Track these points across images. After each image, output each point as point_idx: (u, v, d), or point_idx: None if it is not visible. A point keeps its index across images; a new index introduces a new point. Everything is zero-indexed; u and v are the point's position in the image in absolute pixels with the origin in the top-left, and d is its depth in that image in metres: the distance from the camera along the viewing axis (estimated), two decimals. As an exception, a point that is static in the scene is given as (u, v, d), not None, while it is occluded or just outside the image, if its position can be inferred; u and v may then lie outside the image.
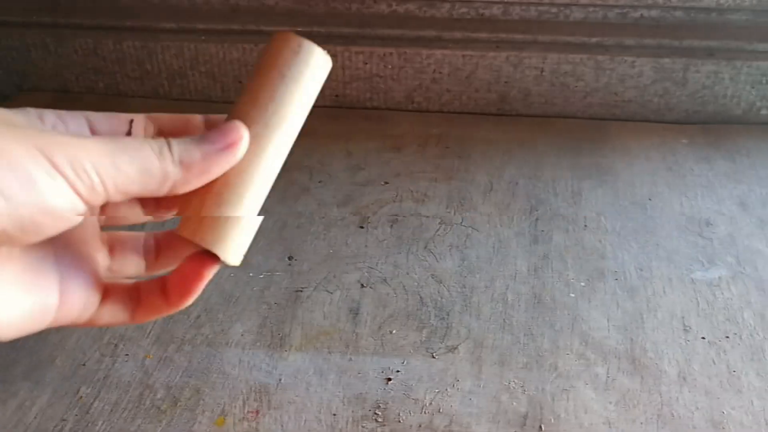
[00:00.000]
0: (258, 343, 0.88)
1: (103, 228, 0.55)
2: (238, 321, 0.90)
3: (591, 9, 1.27)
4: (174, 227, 0.52)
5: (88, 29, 1.32)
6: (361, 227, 1.04)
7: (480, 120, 1.29)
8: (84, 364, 0.85)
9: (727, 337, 0.88)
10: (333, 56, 1.24)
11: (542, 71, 1.26)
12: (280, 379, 0.83)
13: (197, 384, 0.83)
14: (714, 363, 0.85)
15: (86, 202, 0.44)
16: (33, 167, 0.41)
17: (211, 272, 0.52)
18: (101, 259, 0.54)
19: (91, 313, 0.52)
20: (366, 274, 0.97)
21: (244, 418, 0.79)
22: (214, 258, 0.51)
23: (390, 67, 1.28)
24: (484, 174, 1.15)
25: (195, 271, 0.51)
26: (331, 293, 0.94)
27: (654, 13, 1.27)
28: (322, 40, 1.21)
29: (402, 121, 1.29)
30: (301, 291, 0.94)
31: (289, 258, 0.99)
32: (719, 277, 0.96)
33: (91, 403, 0.81)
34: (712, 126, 1.27)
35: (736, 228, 1.04)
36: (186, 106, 1.32)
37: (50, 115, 0.48)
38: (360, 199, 1.09)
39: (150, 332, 0.89)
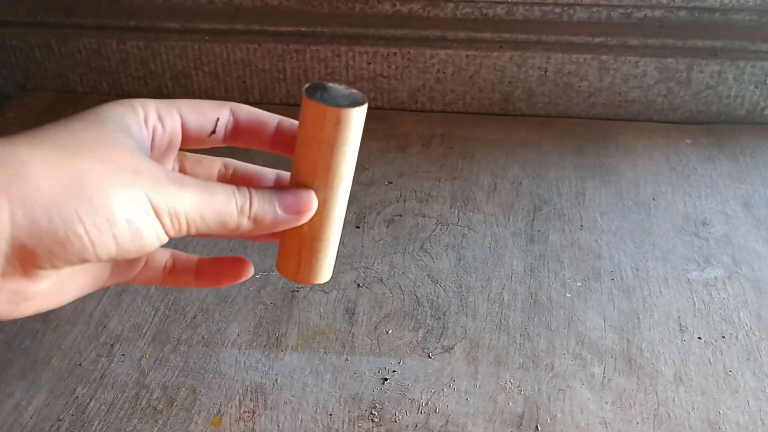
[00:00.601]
0: (254, 343, 0.88)
1: None
2: (234, 321, 0.90)
3: (595, 9, 1.27)
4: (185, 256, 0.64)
5: (91, 29, 1.32)
6: (358, 227, 1.04)
7: (484, 120, 1.29)
8: (80, 364, 0.85)
9: (724, 337, 0.88)
10: (337, 56, 1.25)
11: (546, 71, 1.26)
12: (276, 379, 0.83)
13: (193, 384, 0.83)
14: (710, 363, 0.85)
15: (170, 237, 0.51)
16: (144, 220, 0.48)
17: (244, 278, 0.62)
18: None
19: (133, 276, 0.62)
20: (362, 274, 0.96)
21: (240, 418, 0.79)
22: (249, 267, 0.62)
23: (394, 67, 1.28)
24: (487, 174, 1.15)
25: (233, 273, 0.62)
26: (327, 293, 0.94)
27: (658, 13, 1.27)
28: (326, 40, 1.23)
29: (406, 121, 1.29)
30: (297, 291, 0.94)
31: (287, 258, 0.99)
32: (715, 277, 0.96)
33: (87, 403, 0.81)
34: (716, 126, 1.26)
35: (733, 228, 1.03)
36: (190, 106, 1.32)
37: (152, 116, 0.54)
38: (364, 199, 1.09)
39: (146, 332, 0.89)
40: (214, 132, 0.58)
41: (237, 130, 0.60)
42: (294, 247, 0.58)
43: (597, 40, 1.25)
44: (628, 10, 1.27)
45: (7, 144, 0.46)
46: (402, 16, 1.30)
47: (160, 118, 0.55)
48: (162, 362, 0.86)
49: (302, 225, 0.57)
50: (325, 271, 0.59)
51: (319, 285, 0.95)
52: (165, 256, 0.63)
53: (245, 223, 0.53)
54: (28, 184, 0.45)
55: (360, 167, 1.15)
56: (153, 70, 1.32)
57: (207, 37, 1.29)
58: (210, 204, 0.51)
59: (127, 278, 0.62)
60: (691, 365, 0.85)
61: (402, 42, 1.27)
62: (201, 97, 1.27)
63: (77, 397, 0.82)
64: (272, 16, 1.31)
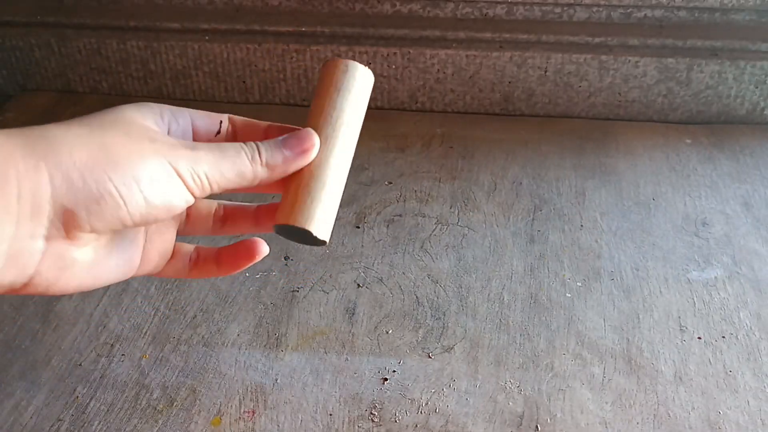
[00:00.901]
0: (254, 343, 0.88)
1: None
2: (234, 321, 0.90)
3: (595, 9, 1.27)
4: (238, 205, 0.68)
5: (91, 29, 1.32)
6: (358, 227, 1.04)
7: (484, 120, 1.29)
8: (80, 364, 0.85)
9: (723, 337, 0.88)
10: (337, 56, 1.25)
11: (546, 71, 1.26)
12: (276, 379, 0.83)
13: (193, 384, 0.83)
14: (710, 363, 0.85)
15: (196, 197, 0.56)
16: (167, 178, 0.53)
17: (258, 257, 0.65)
18: (175, 227, 0.67)
19: (161, 268, 0.66)
20: (362, 274, 0.97)
21: (240, 418, 0.79)
22: (261, 245, 0.66)
23: (394, 67, 1.28)
24: (487, 174, 1.15)
25: (247, 254, 0.66)
26: (327, 293, 0.94)
27: (658, 13, 1.27)
28: (326, 40, 1.23)
29: (406, 121, 1.28)
30: (297, 291, 0.94)
31: (285, 258, 0.99)
32: (715, 277, 0.96)
33: (87, 403, 0.81)
34: (715, 126, 1.26)
35: (733, 228, 1.03)
36: (189, 105, 1.30)
37: (167, 113, 0.60)
38: (364, 199, 1.09)
39: (146, 332, 0.89)
40: (219, 132, 0.64)
41: (235, 132, 0.65)
42: (292, 188, 0.60)
43: (597, 40, 1.25)
44: (628, 10, 1.27)
45: (42, 126, 0.53)
46: (402, 16, 1.30)
47: (174, 116, 0.61)
48: (162, 362, 0.86)
49: (303, 168, 0.60)
50: (317, 218, 0.59)
51: (320, 285, 0.95)
52: (190, 249, 0.68)
53: (260, 171, 0.58)
54: (63, 153, 0.50)
55: (360, 167, 1.15)
56: (153, 70, 1.32)
57: (207, 37, 1.29)
58: (224, 159, 0.56)
59: (157, 268, 0.66)
60: (691, 365, 0.85)
61: (402, 42, 1.27)
62: (201, 97, 1.29)
63: (77, 397, 0.82)
64: (272, 16, 1.31)
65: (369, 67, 1.20)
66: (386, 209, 1.07)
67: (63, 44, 1.31)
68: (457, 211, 1.07)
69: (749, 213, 1.06)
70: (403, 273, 0.97)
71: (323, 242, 0.60)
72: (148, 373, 0.84)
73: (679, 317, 0.90)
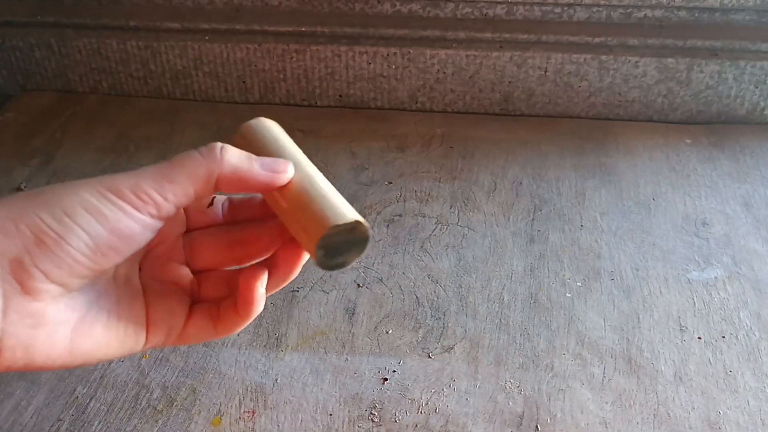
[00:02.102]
0: (254, 343, 0.88)
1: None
2: (235, 321, 0.90)
3: (595, 9, 1.27)
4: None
5: (91, 29, 1.32)
6: (358, 227, 1.04)
7: (484, 120, 1.29)
8: (80, 364, 0.85)
9: (723, 337, 0.88)
10: (337, 56, 1.26)
11: (546, 71, 1.26)
12: (276, 379, 0.83)
13: (193, 384, 0.83)
14: (710, 363, 0.85)
15: (154, 218, 0.54)
16: (101, 203, 0.52)
17: (260, 283, 0.62)
18: (183, 275, 0.65)
19: (179, 331, 0.63)
20: (362, 274, 0.97)
21: (240, 418, 0.79)
22: (262, 270, 0.62)
23: (394, 67, 1.28)
24: (487, 174, 1.15)
25: (248, 285, 0.61)
26: (327, 293, 0.94)
27: (658, 13, 1.27)
28: (326, 40, 1.23)
29: (406, 121, 1.29)
30: (297, 291, 0.94)
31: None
32: (715, 277, 0.96)
33: (87, 403, 0.81)
34: (716, 126, 1.26)
35: (733, 228, 1.03)
36: (189, 105, 1.32)
37: None
38: (364, 199, 1.09)
39: (146, 332, 0.89)
40: (211, 204, 0.64)
41: (233, 209, 0.66)
42: (300, 213, 0.59)
43: (597, 40, 1.25)
44: (628, 10, 1.27)
45: None
46: (402, 16, 1.30)
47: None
48: (162, 362, 0.86)
49: (286, 208, 0.60)
50: (331, 214, 0.58)
51: (320, 285, 0.95)
52: (208, 306, 0.64)
53: (216, 166, 0.56)
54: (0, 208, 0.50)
55: (360, 167, 1.15)
56: (153, 70, 1.32)
57: (207, 37, 1.29)
58: (171, 167, 0.55)
59: (173, 335, 0.63)
60: (691, 365, 0.85)
61: (402, 42, 1.27)
62: (201, 97, 1.29)
63: (77, 396, 0.82)
64: (272, 16, 1.31)
65: (369, 68, 1.20)
66: (386, 209, 1.07)
67: (63, 44, 1.31)
68: (457, 211, 1.07)
69: (749, 213, 1.06)
70: (403, 273, 0.97)
71: (366, 235, 0.61)
72: (148, 373, 0.84)
73: (679, 317, 0.90)
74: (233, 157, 0.57)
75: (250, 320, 0.63)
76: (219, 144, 0.57)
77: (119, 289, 0.60)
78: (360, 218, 0.59)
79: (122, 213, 0.52)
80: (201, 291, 0.66)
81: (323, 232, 0.57)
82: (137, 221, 0.53)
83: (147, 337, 0.61)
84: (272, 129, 0.64)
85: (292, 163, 0.60)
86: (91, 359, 0.56)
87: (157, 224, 0.56)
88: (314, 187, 0.59)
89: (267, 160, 0.58)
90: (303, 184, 0.59)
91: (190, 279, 0.66)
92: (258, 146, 0.62)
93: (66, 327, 0.54)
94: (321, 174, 0.62)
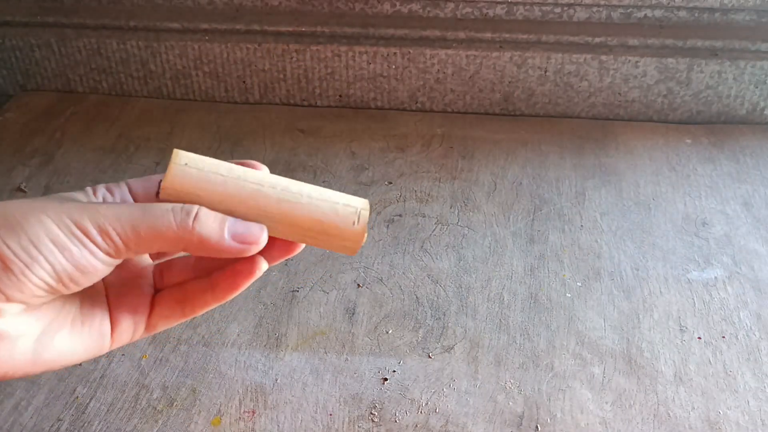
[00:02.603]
0: (254, 343, 0.88)
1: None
2: (234, 321, 0.90)
3: (595, 9, 1.27)
4: None
5: (91, 29, 1.32)
6: (358, 227, 1.04)
7: (484, 120, 1.29)
8: (80, 364, 0.85)
9: (724, 337, 0.88)
10: (337, 56, 1.26)
11: (546, 71, 1.26)
12: (276, 379, 0.83)
13: (193, 384, 0.83)
14: (710, 363, 0.85)
15: (113, 258, 0.55)
16: (68, 238, 0.52)
17: (259, 272, 0.63)
18: (146, 280, 0.65)
19: (144, 325, 0.64)
20: (362, 274, 0.97)
21: (240, 418, 0.79)
22: (261, 261, 0.62)
23: (394, 67, 1.28)
24: (487, 174, 1.15)
25: (247, 271, 0.62)
26: (327, 293, 0.94)
27: (658, 13, 1.27)
28: (325, 40, 1.23)
29: (406, 121, 1.29)
30: (297, 291, 0.94)
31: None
32: (715, 277, 0.96)
33: (87, 403, 0.81)
34: (716, 126, 1.26)
35: (733, 228, 1.03)
36: (190, 105, 1.32)
37: (100, 188, 0.60)
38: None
39: (146, 332, 0.89)
40: (158, 194, 0.60)
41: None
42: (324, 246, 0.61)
43: (597, 40, 1.25)
44: (628, 10, 1.27)
45: None
46: (402, 16, 1.30)
47: (109, 190, 0.60)
48: (162, 362, 0.86)
49: (297, 239, 0.61)
50: (348, 230, 0.61)
51: (320, 285, 0.95)
52: (173, 291, 0.65)
53: (187, 236, 0.55)
54: None
55: (360, 167, 1.16)
56: (153, 70, 1.32)
57: (207, 37, 1.29)
58: (144, 216, 0.54)
59: (138, 332, 0.64)
60: (691, 365, 0.85)
61: (402, 42, 1.27)
62: (201, 97, 1.29)
63: (77, 397, 0.82)
64: (272, 16, 1.31)
65: (369, 67, 1.20)
66: (386, 209, 1.07)
67: (63, 44, 1.31)
68: (457, 211, 1.07)
69: (749, 213, 1.06)
70: (403, 273, 0.97)
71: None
72: (148, 373, 0.84)
73: (679, 317, 0.90)
74: (204, 228, 0.56)
75: (223, 302, 0.64)
76: (195, 209, 0.56)
77: (81, 294, 0.60)
78: (362, 205, 0.63)
79: (87, 251, 0.53)
80: (164, 278, 0.66)
81: (359, 245, 0.61)
82: (99, 260, 0.54)
83: (112, 338, 0.62)
84: (195, 176, 0.58)
85: (264, 228, 0.59)
86: (54, 366, 0.58)
87: (118, 262, 0.56)
88: (307, 211, 0.60)
89: (240, 227, 0.57)
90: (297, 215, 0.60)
91: (151, 269, 0.66)
92: (199, 198, 0.58)
93: (28, 339, 0.55)
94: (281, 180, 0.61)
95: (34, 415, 0.80)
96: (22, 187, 1.11)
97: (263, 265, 0.63)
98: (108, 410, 0.80)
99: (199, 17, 1.31)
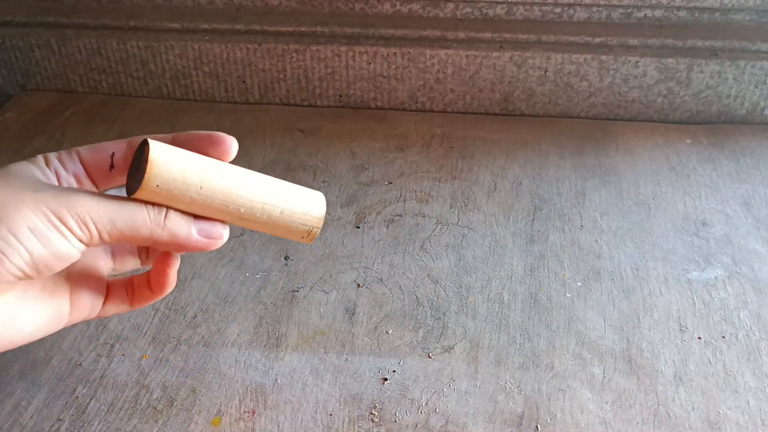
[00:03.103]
0: (254, 343, 0.88)
1: None
2: (234, 321, 0.90)
3: (595, 9, 1.27)
4: None
5: (91, 29, 1.32)
6: (357, 227, 1.04)
7: (484, 120, 1.29)
8: (80, 364, 0.85)
9: (724, 337, 0.88)
10: (337, 56, 1.26)
11: (546, 71, 1.26)
12: (276, 379, 0.83)
13: (193, 384, 0.83)
14: (710, 363, 0.85)
15: (86, 245, 0.57)
16: (47, 227, 0.54)
17: (172, 266, 0.67)
18: (105, 265, 0.70)
19: (99, 310, 0.69)
20: (362, 274, 0.96)
21: (240, 418, 0.79)
22: (174, 257, 0.67)
23: (394, 67, 1.28)
24: (487, 174, 1.15)
25: (162, 266, 0.67)
26: (327, 293, 0.94)
27: (658, 13, 1.27)
28: (325, 40, 1.23)
29: (406, 121, 1.29)
30: (297, 291, 0.94)
31: (285, 258, 0.99)
32: (715, 277, 0.96)
33: (87, 403, 0.81)
34: (716, 126, 1.26)
35: (733, 228, 1.03)
36: (189, 105, 1.32)
37: (53, 160, 0.62)
38: (364, 199, 1.09)
39: (146, 332, 0.89)
40: (112, 166, 0.65)
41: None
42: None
43: (597, 40, 1.25)
44: (628, 10, 1.27)
45: None
46: (402, 16, 1.30)
47: (61, 162, 0.63)
48: (162, 362, 0.86)
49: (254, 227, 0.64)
50: (299, 228, 0.65)
51: (320, 285, 0.95)
52: (124, 281, 0.71)
53: (159, 233, 0.59)
54: None
55: (360, 167, 1.16)
56: (153, 70, 1.32)
57: (207, 37, 1.29)
58: (121, 210, 0.58)
59: (94, 311, 0.69)
60: (691, 365, 0.84)
61: (402, 42, 1.27)
62: (201, 97, 1.29)
63: (77, 397, 0.82)
64: (272, 16, 1.31)
65: (369, 67, 1.20)
66: (386, 209, 1.07)
67: (63, 44, 1.31)
68: (457, 211, 1.07)
69: (749, 213, 1.06)
70: (403, 273, 0.97)
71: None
72: (148, 373, 0.84)
73: (679, 317, 0.90)
74: (175, 226, 0.60)
75: (162, 297, 0.70)
76: (164, 210, 0.60)
77: (45, 278, 0.62)
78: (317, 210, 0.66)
79: (64, 239, 0.55)
80: (115, 266, 0.72)
81: (320, 224, 0.66)
82: (75, 246, 0.56)
83: (69, 318, 0.66)
84: (169, 177, 0.60)
85: (227, 227, 0.64)
86: (14, 345, 0.60)
87: (85, 249, 0.58)
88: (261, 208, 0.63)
89: (204, 226, 0.62)
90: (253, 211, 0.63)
91: (110, 265, 0.71)
92: (169, 197, 0.61)
93: None
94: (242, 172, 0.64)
95: (34, 415, 0.80)
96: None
97: (175, 259, 0.68)
98: (108, 410, 0.80)
99: (199, 17, 1.31)
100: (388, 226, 1.04)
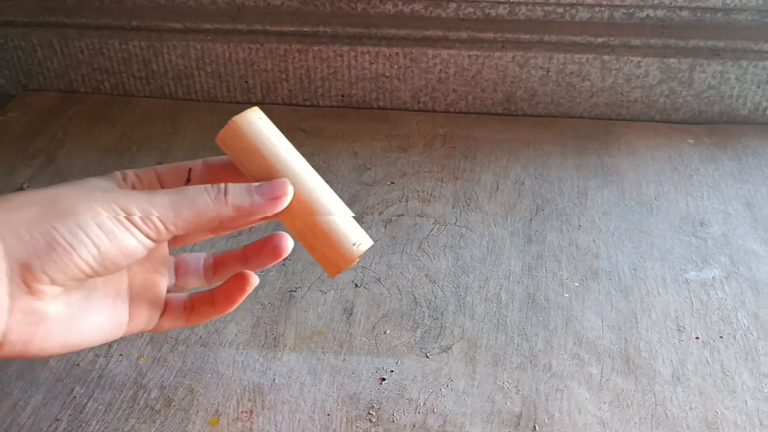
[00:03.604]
0: (252, 343, 0.88)
1: (171, 251, 0.72)
2: (232, 321, 0.90)
3: (597, 9, 1.27)
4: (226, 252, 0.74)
5: (94, 29, 1.32)
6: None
7: (486, 120, 1.29)
8: (78, 364, 0.85)
9: (721, 337, 0.88)
10: (339, 56, 1.26)
11: (548, 71, 1.26)
12: (273, 379, 0.83)
13: (191, 384, 0.83)
14: (708, 363, 0.85)
15: (154, 242, 0.59)
16: (114, 223, 0.57)
17: (250, 288, 0.71)
18: (165, 282, 0.70)
19: (155, 324, 0.70)
20: (360, 274, 0.97)
21: (237, 418, 0.79)
22: (252, 277, 0.71)
23: (396, 67, 1.28)
24: (490, 174, 1.15)
25: (239, 286, 0.71)
26: (325, 293, 0.94)
27: (660, 13, 1.27)
28: (328, 40, 1.23)
29: (408, 121, 1.29)
30: (295, 291, 0.94)
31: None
32: (713, 278, 0.95)
33: (85, 403, 0.81)
34: (718, 126, 1.26)
35: (731, 228, 1.03)
36: (192, 106, 1.32)
37: (130, 174, 0.65)
38: (366, 199, 1.09)
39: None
40: (188, 180, 0.67)
41: (211, 173, 0.68)
42: (316, 252, 0.66)
43: (599, 40, 1.25)
44: (631, 10, 1.27)
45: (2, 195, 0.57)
46: (404, 16, 1.30)
47: (138, 177, 0.65)
48: (160, 362, 0.86)
49: (300, 227, 0.65)
50: (348, 244, 0.65)
51: (317, 285, 0.95)
52: (183, 298, 0.72)
53: (224, 210, 0.61)
54: (13, 212, 0.55)
55: (362, 167, 1.16)
56: (155, 70, 1.32)
57: (209, 37, 1.29)
58: (182, 199, 0.60)
59: (151, 323, 0.69)
60: (688, 365, 0.84)
61: (404, 42, 1.27)
62: (203, 97, 1.29)
63: (75, 397, 0.82)
64: (274, 16, 1.31)
65: (371, 67, 1.20)
66: (388, 209, 1.07)
67: (65, 44, 1.31)
68: (459, 211, 1.07)
69: (751, 213, 1.05)
70: (401, 273, 0.97)
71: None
72: (146, 373, 0.84)
73: (677, 317, 0.90)
74: (236, 198, 0.61)
75: (224, 314, 0.73)
76: (223, 185, 0.61)
77: (107, 285, 0.64)
78: (366, 245, 0.67)
79: (130, 234, 0.57)
80: (177, 283, 0.73)
81: (339, 268, 0.67)
82: (141, 243, 0.58)
83: (127, 328, 0.67)
84: (260, 128, 0.66)
85: (292, 189, 0.64)
86: (75, 348, 0.61)
87: (154, 245, 0.60)
88: (319, 209, 0.65)
89: (265, 187, 0.62)
90: (306, 206, 0.64)
91: (171, 282, 0.72)
92: (249, 149, 0.65)
93: (61, 323, 0.59)
94: (316, 180, 0.67)
95: (32, 414, 0.80)
96: (25, 188, 1.11)
97: (254, 280, 0.71)
98: (106, 410, 0.80)
99: (201, 17, 1.31)
100: (386, 226, 1.04)
